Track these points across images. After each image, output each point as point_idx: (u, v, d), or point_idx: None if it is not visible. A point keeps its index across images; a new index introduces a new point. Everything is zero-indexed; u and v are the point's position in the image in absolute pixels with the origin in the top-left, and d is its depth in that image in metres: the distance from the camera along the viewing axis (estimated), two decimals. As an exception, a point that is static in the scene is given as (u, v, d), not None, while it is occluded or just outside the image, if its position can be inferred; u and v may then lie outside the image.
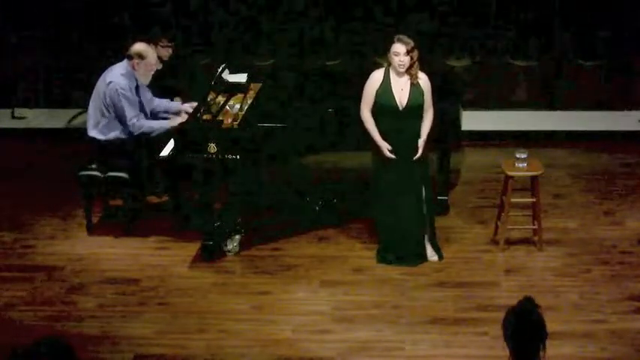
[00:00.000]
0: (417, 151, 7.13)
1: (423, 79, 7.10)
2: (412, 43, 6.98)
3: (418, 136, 7.15)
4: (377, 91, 7.08)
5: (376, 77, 7.12)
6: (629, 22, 10.13)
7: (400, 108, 7.07)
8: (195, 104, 7.83)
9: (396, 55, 6.98)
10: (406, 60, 6.98)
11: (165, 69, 8.17)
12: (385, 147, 7.10)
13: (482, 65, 10.34)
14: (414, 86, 7.06)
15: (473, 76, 10.13)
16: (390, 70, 7.08)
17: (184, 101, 8.29)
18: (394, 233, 7.32)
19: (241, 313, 6.81)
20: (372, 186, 7.41)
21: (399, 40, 6.99)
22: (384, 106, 7.08)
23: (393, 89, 7.06)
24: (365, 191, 8.39)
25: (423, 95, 7.08)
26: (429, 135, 7.21)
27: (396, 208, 7.24)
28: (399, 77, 7.07)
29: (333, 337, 6.49)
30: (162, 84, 8.18)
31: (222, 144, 7.24)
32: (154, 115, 8.02)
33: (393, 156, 7.10)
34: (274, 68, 10.09)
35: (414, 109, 7.09)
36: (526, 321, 4.14)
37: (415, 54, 7.00)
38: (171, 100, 8.28)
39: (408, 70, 7.03)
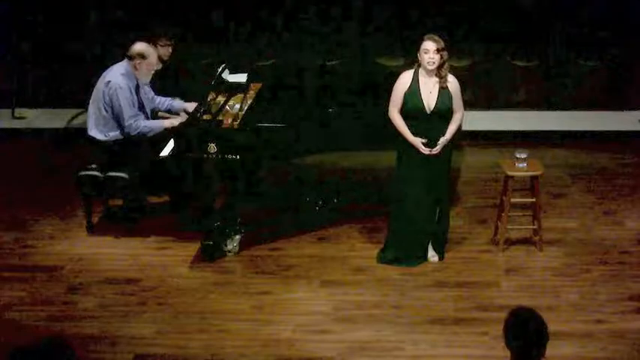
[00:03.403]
0: (439, 149, 7.04)
1: (452, 82, 7.05)
2: (442, 43, 6.95)
3: None
4: (405, 93, 7.04)
5: (405, 79, 7.06)
6: (630, 22, 10.14)
7: (428, 111, 7.01)
8: (196, 104, 7.84)
9: (425, 52, 6.93)
10: (436, 58, 6.92)
11: (165, 69, 8.17)
12: (419, 142, 7.03)
13: (482, 65, 10.35)
14: (443, 89, 7.00)
15: (473, 76, 10.13)
16: (419, 72, 7.03)
17: (185, 101, 8.31)
18: (405, 234, 7.30)
19: (241, 313, 6.80)
20: (393, 185, 7.35)
21: (430, 38, 6.95)
22: (411, 108, 7.02)
23: (422, 92, 7.00)
24: (365, 191, 8.43)
25: (451, 99, 7.03)
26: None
27: (412, 208, 7.20)
28: (427, 79, 7.01)
29: (333, 337, 6.49)
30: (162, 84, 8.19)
31: (222, 144, 7.24)
32: (156, 114, 8.02)
33: (427, 150, 7.04)
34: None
35: (442, 112, 7.03)
36: (528, 327, 4.15)
37: (445, 54, 6.95)
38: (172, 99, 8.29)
39: (438, 72, 6.97)
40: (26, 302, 7.01)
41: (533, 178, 7.48)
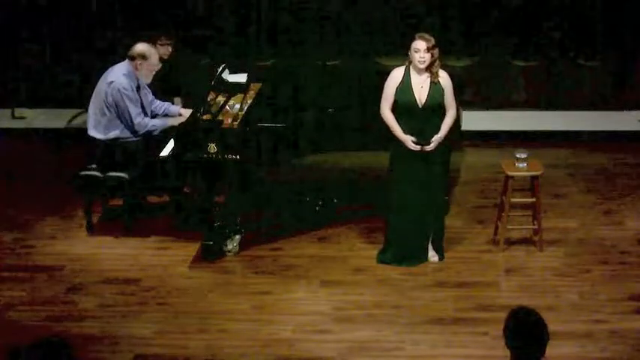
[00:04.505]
0: (433, 146, 7.04)
1: (444, 78, 7.07)
2: (433, 41, 6.96)
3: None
4: (397, 88, 7.06)
5: (396, 75, 7.09)
6: (629, 22, 10.14)
7: (419, 106, 7.03)
8: (191, 110, 7.81)
9: (416, 51, 6.96)
10: (427, 57, 6.95)
11: (166, 68, 8.17)
12: (409, 139, 7.03)
13: (482, 65, 10.34)
14: (434, 84, 7.03)
15: (473, 76, 10.13)
16: (411, 69, 7.05)
17: (184, 101, 8.30)
18: (403, 233, 7.29)
19: (241, 313, 6.80)
20: (388, 184, 7.34)
21: (420, 37, 6.98)
22: (403, 104, 7.04)
23: (413, 87, 7.03)
24: (365, 190, 8.42)
25: (442, 94, 7.05)
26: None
27: (409, 208, 7.20)
28: (419, 75, 7.04)
29: (333, 337, 6.49)
30: (164, 84, 8.20)
31: (222, 144, 7.24)
32: (153, 117, 8.02)
33: (418, 147, 7.04)
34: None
35: (434, 107, 7.05)
36: (528, 327, 4.15)
37: (436, 52, 6.98)
38: (172, 100, 8.29)
39: (429, 69, 7.00)
40: (26, 302, 7.01)
41: (533, 178, 7.48)
